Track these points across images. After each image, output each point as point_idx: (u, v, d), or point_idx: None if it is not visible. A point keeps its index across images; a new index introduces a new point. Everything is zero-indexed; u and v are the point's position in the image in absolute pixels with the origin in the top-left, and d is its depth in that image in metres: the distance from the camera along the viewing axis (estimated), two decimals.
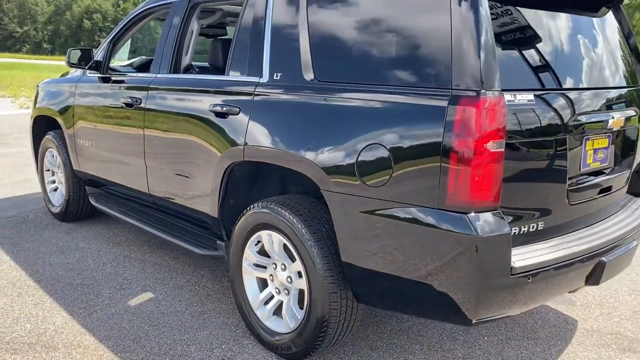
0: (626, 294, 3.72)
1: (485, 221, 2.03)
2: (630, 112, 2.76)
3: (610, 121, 2.53)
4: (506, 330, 3.15)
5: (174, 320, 3.13)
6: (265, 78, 2.76)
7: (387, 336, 3.02)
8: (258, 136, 2.71)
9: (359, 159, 2.27)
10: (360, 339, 2.98)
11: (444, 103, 2.04)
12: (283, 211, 2.59)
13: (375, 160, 2.24)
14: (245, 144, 2.76)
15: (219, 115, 2.93)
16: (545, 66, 2.40)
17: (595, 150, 2.56)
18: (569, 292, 2.74)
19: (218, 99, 2.98)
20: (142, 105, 3.53)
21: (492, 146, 2.01)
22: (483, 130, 1.99)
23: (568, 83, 2.49)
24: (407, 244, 2.19)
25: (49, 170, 4.98)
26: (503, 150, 2.04)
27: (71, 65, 4.22)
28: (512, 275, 2.08)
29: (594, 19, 2.81)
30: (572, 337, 3.12)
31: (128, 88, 3.77)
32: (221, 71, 3.21)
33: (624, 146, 2.82)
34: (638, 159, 2.99)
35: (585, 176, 2.54)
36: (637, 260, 4.41)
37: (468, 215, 2.03)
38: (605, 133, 2.59)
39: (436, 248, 2.11)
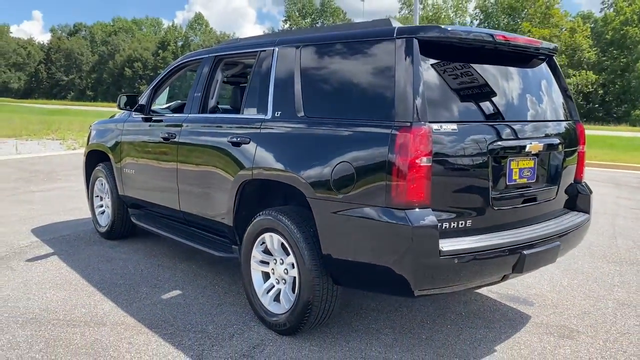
0: (582, 299, 4.34)
1: (417, 215, 2.78)
2: (552, 140, 3.49)
3: (528, 146, 3.26)
4: (467, 320, 3.82)
5: (196, 309, 3.90)
6: (269, 115, 3.62)
7: (366, 322, 3.73)
8: (263, 159, 3.54)
9: (333, 173, 3.07)
10: (345, 324, 3.69)
11: (389, 131, 2.84)
12: (281, 217, 3.39)
13: (343, 173, 3.03)
14: (253, 166, 3.59)
15: (235, 144, 3.78)
16: (473, 104, 3.18)
17: (521, 169, 3.29)
18: (502, 280, 3.33)
19: (234, 132, 3.84)
20: (176, 139, 4.42)
21: (421, 162, 2.79)
22: (415, 151, 2.77)
23: (491, 117, 3.24)
24: (365, 235, 2.95)
25: (98, 196, 5.90)
26: (430, 165, 2.81)
27: (120, 108, 5.17)
28: (440, 256, 2.80)
29: (527, 68, 3.59)
30: (522, 327, 3.77)
31: (166, 125, 4.68)
32: (238, 111, 4.09)
33: (549, 167, 3.54)
34: (567, 178, 3.69)
35: (512, 189, 3.26)
36: (596, 272, 5.04)
37: (406, 211, 2.79)
38: (529, 156, 3.32)
39: (385, 236, 2.86)
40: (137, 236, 5.75)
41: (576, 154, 3.81)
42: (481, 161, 3.06)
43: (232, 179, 3.79)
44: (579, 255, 5.60)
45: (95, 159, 5.88)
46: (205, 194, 4.16)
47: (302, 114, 3.41)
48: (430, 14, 66.07)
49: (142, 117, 5.06)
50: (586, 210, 3.82)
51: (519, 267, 3.14)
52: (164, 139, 4.57)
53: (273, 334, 3.52)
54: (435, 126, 2.85)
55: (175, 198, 4.53)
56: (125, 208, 5.45)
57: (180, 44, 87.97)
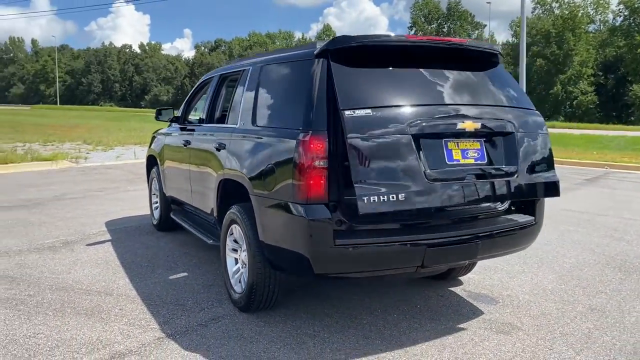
0: (552, 302, 4.43)
1: (313, 210, 3.26)
2: (495, 123, 3.63)
3: (460, 125, 3.44)
4: (416, 311, 4.15)
5: (189, 288, 4.65)
6: (238, 125, 4.27)
7: (320, 307, 4.22)
8: (229, 162, 4.21)
9: (264, 173, 3.65)
10: (299, 308, 4.22)
11: (295, 138, 3.36)
12: (239, 211, 4.02)
13: (270, 174, 3.59)
14: (225, 167, 4.26)
15: (217, 149, 4.49)
16: (394, 94, 3.47)
17: (464, 150, 3.50)
18: (423, 269, 3.60)
19: (218, 139, 4.54)
20: (190, 145, 5.25)
21: (317, 164, 3.26)
22: (311, 155, 3.26)
23: (414, 101, 3.47)
24: (282, 225, 3.49)
25: (154, 194, 6.94)
26: (325, 166, 3.27)
27: (157, 120, 6.13)
28: (335, 245, 3.25)
29: (468, 66, 3.87)
30: (464, 322, 4.01)
31: (187, 133, 5.53)
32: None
33: (504, 151, 3.66)
34: (531, 164, 3.72)
35: (455, 168, 3.45)
36: (594, 278, 5.00)
37: (305, 206, 3.28)
38: (472, 137, 3.54)
39: (293, 227, 3.37)
40: (180, 230, 6.69)
41: (537, 143, 3.83)
42: (404, 142, 3.28)
43: (214, 179, 4.50)
44: (588, 262, 5.54)
45: (152, 163, 6.93)
46: (202, 191, 4.92)
47: (254, 123, 4.03)
48: (566, 12, 62.11)
49: (179, 127, 5.96)
50: (531, 213, 3.97)
51: (427, 261, 3.46)
52: (184, 145, 5.43)
53: (236, 310, 4.15)
54: (348, 112, 3.19)
55: (190, 195, 5.35)
56: (169, 204, 6.40)
57: None
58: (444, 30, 79.48)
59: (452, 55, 3.85)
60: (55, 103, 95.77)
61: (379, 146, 3.21)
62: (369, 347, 3.58)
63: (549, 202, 4.26)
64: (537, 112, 3.99)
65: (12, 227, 6.95)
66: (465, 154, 3.51)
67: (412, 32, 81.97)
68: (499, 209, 3.95)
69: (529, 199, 3.90)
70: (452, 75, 3.77)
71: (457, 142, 3.51)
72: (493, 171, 3.57)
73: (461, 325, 3.94)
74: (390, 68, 3.58)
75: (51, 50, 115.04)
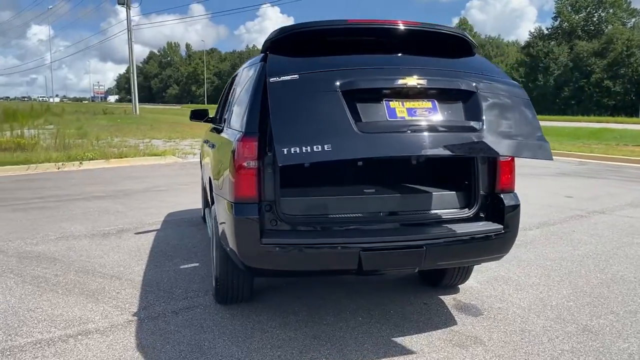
0: (540, 319, 4.08)
1: (242, 208, 3.38)
2: (444, 84, 3.36)
3: (400, 81, 3.22)
4: (385, 317, 4.07)
5: (188, 278, 4.97)
6: (223, 126, 4.50)
7: (291, 306, 4.31)
8: (212, 162, 4.45)
9: (219, 172, 3.83)
10: (272, 306, 4.34)
11: (235, 139, 3.49)
12: (211, 209, 4.25)
13: (222, 173, 3.77)
14: (210, 167, 4.52)
15: (211, 148, 4.76)
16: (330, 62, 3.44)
17: (411, 110, 3.21)
18: (358, 273, 3.55)
19: (213, 139, 4.81)
20: (209, 143, 5.60)
21: (247, 164, 3.37)
22: (241, 156, 3.37)
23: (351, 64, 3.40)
24: (224, 221, 3.65)
25: (203, 188, 7.43)
26: (256, 167, 3.36)
27: (191, 120, 6.56)
28: (261, 244, 3.34)
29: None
30: (430, 331, 3.86)
31: (211, 133, 5.89)
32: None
33: (457, 110, 3.32)
34: (494, 122, 3.27)
35: (396, 123, 3.16)
36: (606, 295, 4.52)
37: (235, 204, 3.41)
38: (419, 98, 3.26)
39: (228, 224, 3.51)
40: None
41: (513, 107, 3.42)
42: (332, 99, 3.10)
43: (207, 176, 4.78)
44: (626, 279, 4.96)
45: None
46: (207, 188, 5.22)
47: (227, 124, 4.22)
48: None
49: (214, 127, 6.35)
50: (499, 220, 3.71)
51: (366, 265, 3.40)
52: (204, 143, 5.80)
53: (214, 301, 4.38)
54: (273, 78, 3.16)
55: (208, 185, 5.71)
56: (206, 199, 6.83)
57: None
58: (594, 19, 72.96)
59: (405, 40, 3.72)
60: (204, 102, 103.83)
61: (303, 104, 3.08)
62: (311, 348, 3.61)
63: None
64: (515, 83, 3.66)
65: (90, 215, 7.85)
66: (413, 113, 3.20)
67: (557, 22, 76.47)
68: (462, 215, 3.75)
69: (502, 156, 3.54)
70: (404, 57, 3.64)
71: (402, 102, 3.22)
72: (448, 124, 3.21)
73: (421, 335, 3.80)
74: (332, 51, 3.55)
75: (201, 53, 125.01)
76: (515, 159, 3.72)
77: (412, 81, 3.24)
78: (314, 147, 2.84)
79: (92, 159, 13.98)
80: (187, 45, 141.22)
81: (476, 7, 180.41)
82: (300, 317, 4.07)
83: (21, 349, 3.55)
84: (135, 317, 4.07)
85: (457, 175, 4.01)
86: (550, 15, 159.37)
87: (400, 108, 3.22)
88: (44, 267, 5.29)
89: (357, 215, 3.68)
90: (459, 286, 4.73)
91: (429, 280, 4.69)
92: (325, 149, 2.83)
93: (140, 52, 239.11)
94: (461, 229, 3.63)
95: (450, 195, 3.87)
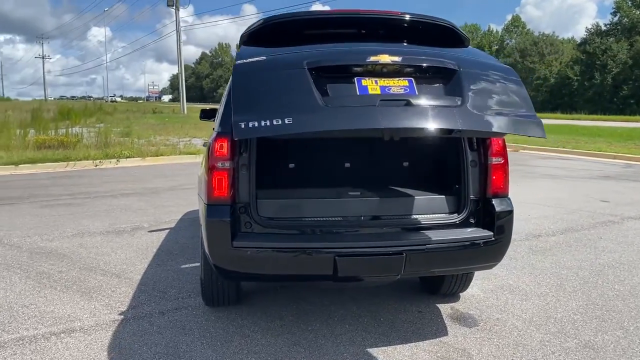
0: (541, 333, 3.83)
1: (214, 209, 3.29)
2: (427, 60, 3.13)
3: (371, 58, 2.98)
4: (374, 328, 3.91)
5: (184, 278, 4.95)
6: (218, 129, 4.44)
7: (280, 310, 4.20)
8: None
9: (200, 172, 3.77)
10: (258, 310, 4.26)
11: (210, 139, 3.42)
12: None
13: (201, 173, 3.70)
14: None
15: (205, 145, 4.71)
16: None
17: (385, 87, 2.95)
18: (337, 280, 3.35)
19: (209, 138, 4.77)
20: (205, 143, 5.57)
21: (220, 165, 3.28)
22: (214, 156, 3.29)
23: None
24: (201, 224, 3.57)
25: None
26: (230, 168, 3.27)
27: (201, 119, 6.54)
28: (233, 247, 3.25)
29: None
30: (416, 342, 3.68)
31: None
32: None
33: (437, 87, 3.10)
34: (477, 97, 2.99)
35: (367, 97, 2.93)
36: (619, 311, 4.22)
37: (208, 205, 3.33)
38: (396, 76, 3.01)
39: (203, 226, 3.44)
40: None
41: (500, 84, 3.13)
42: (298, 75, 2.91)
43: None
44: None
45: None
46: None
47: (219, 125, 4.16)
48: None
49: None
50: (489, 227, 3.49)
51: (342, 271, 3.26)
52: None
53: (203, 302, 4.33)
54: (238, 62, 3.05)
55: None
56: None
57: (495, 48, 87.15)
58: None
59: (390, 31, 3.56)
60: None
61: (267, 81, 2.93)
62: (287, 355, 3.49)
63: None
64: (507, 66, 3.37)
65: (112, 212, 7.99)
66: (387, 90, 2.95)
67: (616, 18, 73.29)
68: (449, 220, 3.54)
69: (485, 131, 3.20)
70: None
71: (376, 80, 2.97)
72: (425, 100, 2.94)
73: (406, 346, 3.62)
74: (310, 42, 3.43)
75: None
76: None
77: (386, 59, 2.99)
78: (274, 120, 2.63)
79: (128, 157, 14.30)
80: (237, 46, 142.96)
81: (531, 4, 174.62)
82: (286, 322, 3.96)
83: (2, 345, 3.59)
84: (122, 317, 4.07)
85: (446, 178, 3.82)
86: (610, 11, 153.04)
87: (373, 86, 2.98)
88: (51, 264, 5.38)
89: (336, 218, 3.54)
90: (461, 294, 4.51)
91: (428, 287, 4.49)
92: (286, 122, 2.63)
93: (194, 53, 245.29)
94: (447, 235, 3.43)
95: (439, 199, 3.67)
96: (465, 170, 3.55)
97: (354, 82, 2.97)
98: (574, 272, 5.14)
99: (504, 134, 3.09)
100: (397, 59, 3.03)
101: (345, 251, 3.25)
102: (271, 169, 4.16)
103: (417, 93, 2.97)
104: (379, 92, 2.93)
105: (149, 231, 6.75)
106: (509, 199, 3.60)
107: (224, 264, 3.35)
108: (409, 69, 3.06)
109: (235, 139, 2.74)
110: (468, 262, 3.51)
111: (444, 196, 3.69)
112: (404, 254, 3.27)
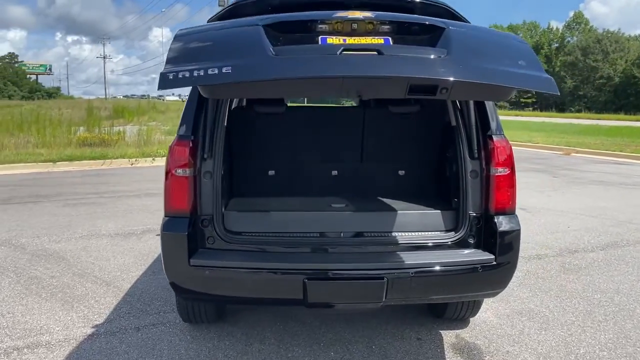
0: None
1: (171, 222, 2.94)
2: (406, 17, 2.68)
3: (337, 14, 2.53)
4: (362, 357, 3.48)
5: None
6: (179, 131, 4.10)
7: (265, 328, 3.82)
8: None
9: None
10: (238, 329, 3.89)
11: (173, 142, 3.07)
12: None
13: None
14: None
15: None
16: None
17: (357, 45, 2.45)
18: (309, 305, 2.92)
19: None
20: None
21: (179, 173, 2.92)
22: (172, 163, 2.94)
23: None
24: None
25: None
26: (190, 176, 2.91)
27: None
28: (190, 265, 2.88)
29: None
30: None
31: None
32: None
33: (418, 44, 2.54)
34: (468, 51, 2.46)
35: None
36: None
37: (165, 217, 2.98)
38: (369, 34, 2.51)
39: (160, 240, 3.09)
40: None
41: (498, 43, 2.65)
42: (251, 31, 2.46)
43: None
44: None
45: None
46: None
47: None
48: None
49: None
50: (491, 249, 2.99)
51: (312, 296, 2.85)
52: None
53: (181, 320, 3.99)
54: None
55: None
56: None
57: (555, 46, 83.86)
58: None
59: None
60: None
61: (212, 39, 2.56)
62: None
63: None
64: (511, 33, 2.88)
65: (129, 212, 7.84)
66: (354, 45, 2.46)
67: None
68: (444, 240, 3.06)
69: (478, 83, 2.49)
70: None
71: (344, 38, 2.47)
72: (401, 51, 2.43)
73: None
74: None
75: None
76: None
77: (357, 14, 2.51)
78: (209, 70, 2.18)
79: (164, 156, 14.26)
80: None
81: (597, 0, 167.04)
82: (265, 347, 3.57)
83: None
84: (94, 331, 3.79)
85: (443, 190, 3.33)
86: None
87: (338, 41, 2.47)
88: (47, 267, 5.21)
89: (312, 235, 3.12)
90: (471, 319, 3.99)
91: (433, 309, 4.00)
92: (223, 71, 2.18)
93: None
94: (439, 257, 2.96)
95: (434, 214, 3.20)
96: (464, 182, 3.07)
97: (315, 39, 2.49)
98: (608, 297, 4.51)
99: (502, 90, 2.46)
100: (370, 14, 2.52)
101: (316, 273, 2.83)
102: (244, 176, 3.78)
103: (391, 44, 2.46)
104: (342, 42, 2.44)
105: (157, 234, 6.51)
106: (516, 216, 3.08)
107: (180, 282, 3.00)
108: (385, 27, 2.54)
109: (158, 90, 2.26)
110: (464, 290, 3.02)
111: (439, 211, 3.21)
112: (386, 279, 2.82)
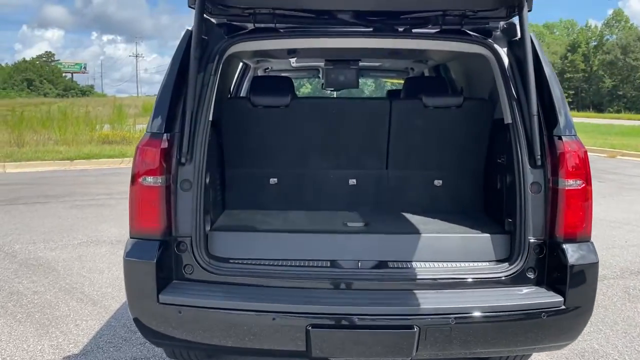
0: None
1: (136, 247, 2.27)
2: None
3: None
4: None
5: None
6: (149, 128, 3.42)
7: None
8: None
9: None
10: None
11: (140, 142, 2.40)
12: None
13: None
14: None
15: None
16: None
17: None
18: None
19: None
20: None
21: (150, 181, 2.25)
22: (142, 168, 2.27)
23: None
24: None
25: None
26: (161, 186, 2.24)
27: None
28: (159, 302, 2.21)
29: None
30: None
31: None
32: None
33: None
34: None
35: None
36: None
37: (130, 239, 2.31)
38: None
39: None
40: None
41: None
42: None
43: None
44: None
45: None
46: None
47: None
48: None
49: None
50: (559, 289, 2.24)
51: (316, 349, 2.15)
52: None
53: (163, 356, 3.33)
54: None
55: None
56: None
57: (593, 44, 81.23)
58: None
59: None
60: None
61: None
62: None
63: None
64: None
65: None
66: None
67: None
68: (495, 273, 2.32)
69: None
70: None
71: None
72: None
73: None
74: None
75: None
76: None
77: None
78: None
79: None
80: None
81: None
82: None
83: None
84: None
85: (493, 208, 2.59)
86: None
87: None
88: (33, 281, 4.64)
89: (321, 264, 2.41)
90: None
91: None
92: None
93: None
94: (489, 298, 2.23)
95: (481, 239, 2.46)
96: (522, 197, 2.32)
97: None
98: None
99: None
100: None
101: (323, 319, 2.12)
102: (237, 185, 3.08)
103: None
104: None
105: None
106: (592, 244, 2.32)
107: (146, 321, 2.32)
108: None
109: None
110: (521, 342, 2.27)
111: (488, 235, 2.47)
112: (417, 328, 2.10)
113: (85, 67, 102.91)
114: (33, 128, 16.87)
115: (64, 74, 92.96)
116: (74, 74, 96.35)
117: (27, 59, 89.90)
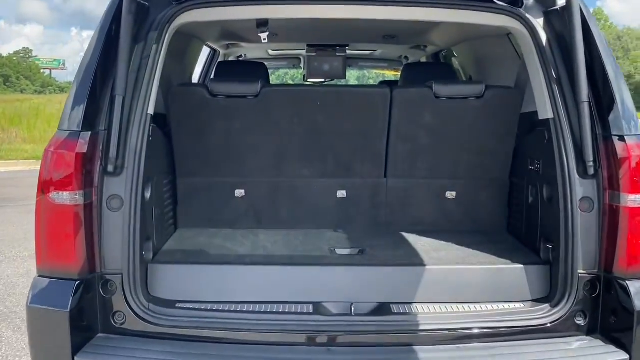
0: None
1: (44, 289, 1.66)
2: None
3: None
4: None
5: None
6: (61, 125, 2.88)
7: None
8: None
9: None
10: None
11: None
12: None
13: None
14: None
15: None
16: None
17: None
18: None
19: None
20: None
21: (62, 197, 1.63)
22: (49, 178, 1.65)
23: None
24: None
25: None
26: (79, 204, 1.62)
27: None
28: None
29: None
30: None
31: None
32: None
33: None
34: None
35: None
36: None
37: (37, 277, 1.71)
38: None
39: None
40: None
41: None
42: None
43: None
44: None
45: None
46: None
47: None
48: None
49: None
50: (618, 341, 1.67)
51: None
52: None
53: None
54: None
55: None
56: None
57: None
58: None
59: None
60: None
61: None
62: None
63: None
64: None
65: None
66: None
67: None
68: (534, 319, 1.74)
69: None
70: None
71: None
72: None
73: None
74: None
75: None
76: None
77: None
78: None
79: None
80: None
81: None
82: None
83: None
84: None
85: (526, 229, 2.02)
86: None
87: None
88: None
89: (300, 309, 1.80)
90: None
91: None
92: None
93: None
94: (527, 355, 1.64)
95: (512, 271, 1.88)
96: (569, 217, 1.75)
97: None
98: None
99: None
100: None
101: None
102: (190, 200, 2.44)
103: None
104: None
105: None
106: None
107: None
108: None
109: None
110: None
111: (521, 266, 1.89)
112: None
113: (64, 64, 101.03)
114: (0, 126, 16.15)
115: (42, 70, 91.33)
116: (52, 71, 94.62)
117: (4, 55, 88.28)
